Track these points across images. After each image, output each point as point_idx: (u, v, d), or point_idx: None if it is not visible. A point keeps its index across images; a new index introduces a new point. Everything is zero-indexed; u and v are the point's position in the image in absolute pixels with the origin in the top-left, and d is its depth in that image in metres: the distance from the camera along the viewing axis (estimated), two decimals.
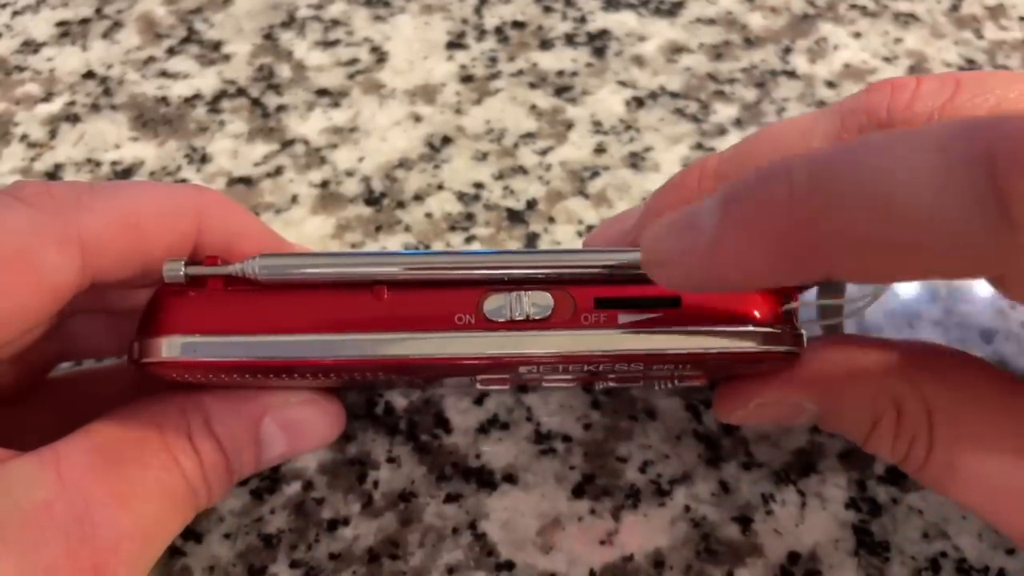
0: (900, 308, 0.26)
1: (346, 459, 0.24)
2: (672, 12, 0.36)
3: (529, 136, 0.31)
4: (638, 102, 0.32)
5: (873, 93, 0.17)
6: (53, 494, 0.16)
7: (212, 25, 0.36)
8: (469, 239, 0.28)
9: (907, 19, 0.36)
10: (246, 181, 0.30)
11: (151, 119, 0.32)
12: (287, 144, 0.31)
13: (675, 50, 0.35)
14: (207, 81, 0.33)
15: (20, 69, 0.34)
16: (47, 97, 0.33)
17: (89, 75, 0.34)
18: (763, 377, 0.19)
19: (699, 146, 0.31)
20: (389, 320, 0.17)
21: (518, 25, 0.35)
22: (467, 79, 0.33)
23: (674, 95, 0.33)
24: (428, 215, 0.29)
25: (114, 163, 0.31)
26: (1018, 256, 0.12)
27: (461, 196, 0.29)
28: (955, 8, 0.36)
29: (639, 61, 0.34)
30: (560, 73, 0.34)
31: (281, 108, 0.32)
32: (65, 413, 0.20)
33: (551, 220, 0.29)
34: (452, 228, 0.29)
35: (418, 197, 0.29)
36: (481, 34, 0.35)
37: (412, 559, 0.22)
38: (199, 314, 0.17)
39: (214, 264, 0.17)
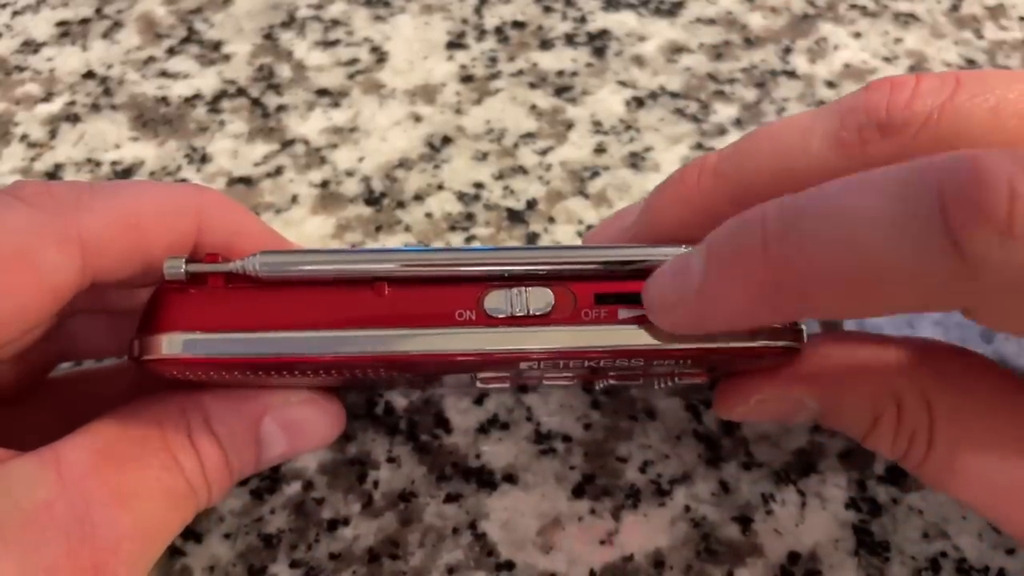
0: None
1: (346, 459, 0.24)
2: (672, 12, 0.36)
3: (529, 136, 0.31)
4: (638, 102, 0.32)
5: (872, 92, 0.17)
6: (53, 494, 0.16)
7: (212, 25, 0.36)
8: (469, 239, 0.28)
9: (907, 19, 0.36)
10: (246, 181, 0.30)
11: (151, 119, 0.32)
12: (287, 144, 0.31)
13: (675, 50, 0.35)
14: (207, 81, 0.33)
15: (20, 69, 0.34)
16: (47, 97, 0.33)
17: (89, 75, 0.34)
18: (763, 373, 0.19)
19: (699, 146, 0.31)
20: (390, 317, 0.17)
21: (518, 25, 0.35)
22: (467, 79, 0.33)
23: (674, 95, 0.33)
24: (428, 215, 0.29)
25: (114, 163, 0.31)
26: (976, 291, 0.13)
27: (461, 196, 0.29)
28: (955, 8, 0.36)
29: (639, 61, 0.34)
30: (560, 73, 0.34)
31: (281, 108, 0.32)
32: (65, 413, 0.20)
33: (551, 220, 0.29)
34: (452, 228, 0.29)
35: (418, 197, 0.29)
36: (481, 34, 0.35)
37: (412, 559, 0.22)
38: (200, 311, 0.17)
39: (215, 261, 0.17)
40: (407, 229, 0.29)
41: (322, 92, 0.33)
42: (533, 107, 0.32)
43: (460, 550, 0.22)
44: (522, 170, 0.30)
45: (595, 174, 0.30)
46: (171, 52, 0.35)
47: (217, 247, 0.19)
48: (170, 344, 0.17)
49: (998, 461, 0.17)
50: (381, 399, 0.25)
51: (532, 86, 0.33)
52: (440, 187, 0.30)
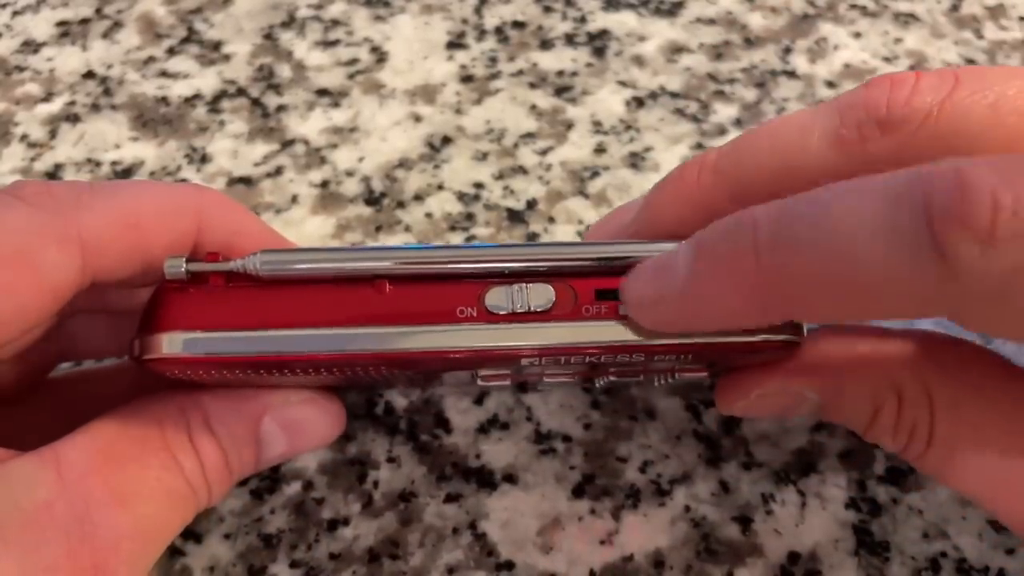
0: None
1: (346, 459, 0.24)
2: (672, 12, 0.36)
3: (529, 136, 0.31)
4: (638, 102, 0.32)
5: (872, 88, 0.17)
6: (53, 494, 0.16)
7: (212, 25, 0.36)
8: (469, 239, 0.28)
9: (907, 19, 0.36)
10: (246, 181, 0.30)
11: (151, 119, 0.32)
12: (287, 144, 0.31)
13: (675, 50, 0.35)
14: (207, 81, 0.33)
15: (20, 69, 0.34)
16: (47, 97, 0.33)
17: (89, 75, 0.34)
18: (764, 367, 0.20)
19: (699, 146, 0.31)
20: (391, 314, 0.17)
21: (518, 25, 0.35)
22: (467, 79, 0.33)
23: (674, 95, 0.33)
24: (428, 215, 0.29)
25: (114, 163, 0.31)
26: (961, 298, 0.13)
27: (461, 196, 0.29)
28: (955, 8, 0.36)
29: (639, 61, 0.34)
30: (560, 73, 0.34)
31: (281, 108, 0.32)
32: (65, 413, 0.20)
33: (551, 220, 0.29)
34: (452, 228, 0.29)
35: (418, 197, 0.29)
36: (481, 34, 0.35)
37: (412, 559, 0.22)
38: (201, 310, 0.17)
39: (215, 260, 0.17)
40: (407, 229, 0.29)
41: (322, 92, 0.33)
42: (533, 107, 0.32)
43: (460, 550, 0.22)
44: (522, 170, 0.30)
45: (595, 174, 0.30)
46: (171, 52, 0.35)
47: (217, 247, 0.19)
48: (171, 343, 0.17)
49: (999, 453, 0.17)
50: (381, 399, 0.25)
51: (532, 86, 0.33)
52: (440, 187, 0.30)
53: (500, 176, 0.30)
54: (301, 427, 0.21)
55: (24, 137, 0.32)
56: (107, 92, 0.33)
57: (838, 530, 0.22)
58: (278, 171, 0.30)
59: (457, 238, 0.28)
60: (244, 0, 0.37)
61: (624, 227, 0.21)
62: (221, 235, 0.20)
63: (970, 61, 0.34)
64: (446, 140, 0.31)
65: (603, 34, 0.35)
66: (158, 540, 0.18)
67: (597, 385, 0.23)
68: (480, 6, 0.36)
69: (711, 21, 0.36)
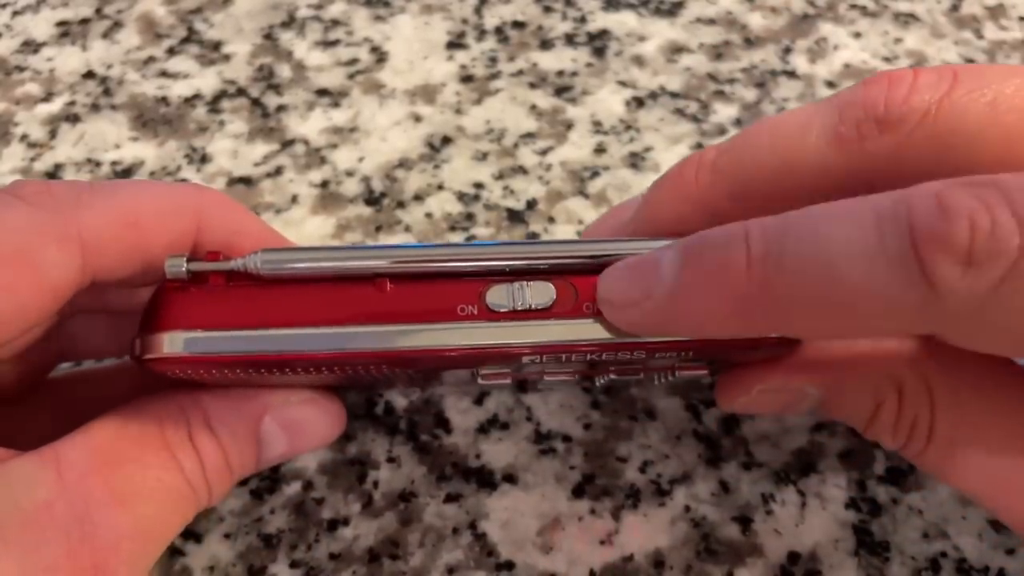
0: None
1: (346, 459, 0.24)
2: (672, 12, 0.36)
3: (529, 136, 0.31)
4: (638, 102, 0.32)
5: (870, 86, 0.17)
6: (53, 494, 0.16)
7: (212, 25, 0.36)
8: (469, 239, 0.28)
9: (907, 19, 0.36)
10: (246, 181, 0.30)
11: (151, 119, 0.32)
12: (287, 144, 0.31)
13: (675, 50, 0.35)
14: (207, 81, 0.33)
15: (20, 69, 0.34)
16: (47, 97, 0.33)
17: (89, 75, 0.34)
18: (765, 364, 0.20)
19: (699, 146, 0.31)
20: (392, 313, 0.17)
21: (518, 25, 0.35)
22: (467, 79, 0.33)
23: (674, 95, 0.33)
24: (428, 215, 0.29)
25: (114, 163, 0.31)
26: (944, 317, 0.14)
27: (461, 196, 0.29)
28: (955, 8, 0.36)
29: (639, 61, 0.34)
30: (560, 73, 0.34)
31: (281, 108, 0.32)
32: (65, 413, 0.20)
33: (551, 220, 0.29)
34: (452, 228, 0.29)
35: (418, 197, 0.29)
36: (481, 34, 0.35)
37: (412, 559, 0.22)
38: (201, 309, 0.17)
39: (216, 260, 0.17)
40: (407, 229, 0.29)
41: (322, 92, 0.33)
42: (533, 107, 0.32)
43: (460, 550, 0.22)
44: (522, 170, 0.30)
45: (595, 174, 0.30)
46: (171, 52, 0.35)
47: (217, 246, 0.19)
48: (172, 343, 0.17)
49: (999, 451, 0.17)
50: (381, 399, 0.25)
51: (532, 86, 0.33)
52: (440, 187, 0.30)
53: (500, 176, 0.30)
54: (301, 427, 0.21)
55: (24, 137, 0.32)
56: (107, 92, 0.33)
57: (838, 530, 0.22)
58: (278, 171, 0.30)
59: (457, 238, 0.28)
60: (244, 0, 0.37)
61: (623, 225, 0.21)
62: (221, 234, 0.20)
63: (970, 61, 0.34)
64: (446, 140, 0.31)
65: (603, 34, 0.35)
66: (158, 540, 0.18)
67: (597, 383, 0.23)
68: (480, 6, 0.36)
69: (711, 21, 0.36)
